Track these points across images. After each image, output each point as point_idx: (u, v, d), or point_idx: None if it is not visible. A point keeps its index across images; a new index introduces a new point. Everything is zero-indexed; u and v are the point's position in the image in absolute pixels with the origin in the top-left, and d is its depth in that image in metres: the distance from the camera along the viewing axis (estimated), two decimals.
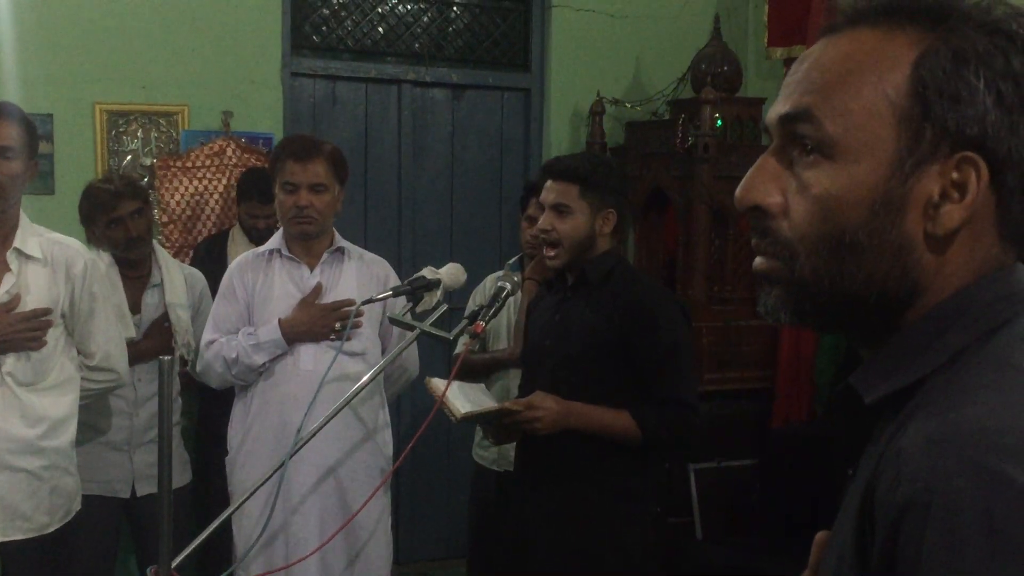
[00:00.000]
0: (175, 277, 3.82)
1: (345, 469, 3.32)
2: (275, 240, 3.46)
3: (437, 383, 2.93)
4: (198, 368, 3.49)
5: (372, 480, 3.32)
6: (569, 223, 2.93)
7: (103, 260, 3.66)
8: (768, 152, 1.03)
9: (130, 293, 3.69)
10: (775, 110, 1.03)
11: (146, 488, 3.67)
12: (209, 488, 4.03)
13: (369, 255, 3.55)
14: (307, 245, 3.41)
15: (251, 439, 3.35)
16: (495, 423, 2.90)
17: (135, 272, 3.74)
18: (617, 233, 3.06)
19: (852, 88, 0.96)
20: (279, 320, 3.31)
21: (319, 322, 3.30)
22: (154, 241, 3.90)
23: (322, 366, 3.19)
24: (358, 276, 3.43)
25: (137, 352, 3.57)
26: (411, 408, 5.35)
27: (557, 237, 2.94)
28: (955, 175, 0.94)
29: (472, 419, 2.90)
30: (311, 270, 3.41)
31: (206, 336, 3.43)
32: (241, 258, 3.53)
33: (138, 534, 3.82)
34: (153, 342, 3.70)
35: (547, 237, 2.96)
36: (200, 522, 2.32)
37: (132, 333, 3.61)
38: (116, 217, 3.65)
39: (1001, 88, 0.93)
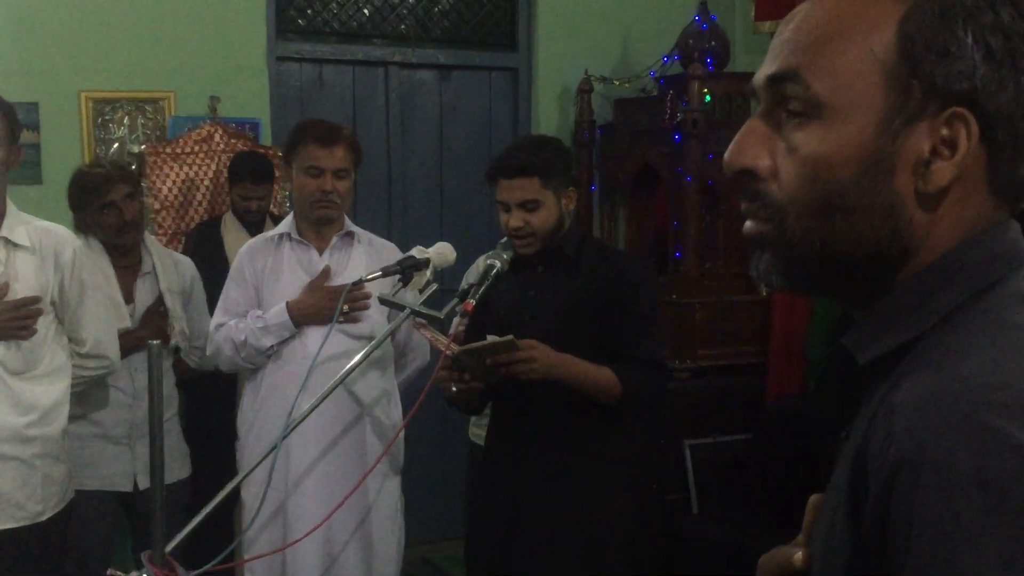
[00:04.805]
0: (166, 264, 3.77)
1: (349, 451, 3.32)
2: (285, 224, 3.47)
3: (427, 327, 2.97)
4: (208, 351, 3.48)
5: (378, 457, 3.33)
6: (540, 215, 2.98)
7: (94, 248, 3.60)
8: (756, 115, 1.02)
9: (122, 282, 3.63)
10: (762, 72, 1.01)
11: (148, 481, 3.62)
12: (200, 483, 3.96)
13: (378, 240, 3.56)
14: (319, 229, 3.42)
15: (260, 422, 3.35)
16: (489, 360, 2.85)
17: (126, 261, 3.68)
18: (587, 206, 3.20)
19: (839, 47, 0.95)
20: (287, 303, 3.31)
21: (327, 304, 3.29)
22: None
23: (330, 349, 3.19)
24: (367, 260, 3.43)
25: (134, 341, 3.53)
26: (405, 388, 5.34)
27: (532, 230, 2.99)
28: (945, 131, 0.93)
29: (469, 354, 2.86)
30: (320, 253, 3.42)
31: (216, 319, 3.43)
32: (251, 242, 3.54)
33: (138, 527, 3.75)
34: (149, 330, 3.63)
35: (520, 232, 3.00)
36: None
37: (127, 323, 3.58)
38: (109, 201, 3.58)
39: (990, 42, 0.92)
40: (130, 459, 3.63)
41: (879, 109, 0.94)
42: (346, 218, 3.48)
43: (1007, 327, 0.89)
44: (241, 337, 3.31)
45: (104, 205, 3.59)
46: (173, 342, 3.71)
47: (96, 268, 3.54)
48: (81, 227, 3.64)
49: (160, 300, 3.71)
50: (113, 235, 3.62)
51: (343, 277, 3.37)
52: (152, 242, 3.83)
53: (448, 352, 2.82)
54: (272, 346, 3.32)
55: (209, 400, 4.37)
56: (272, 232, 3.51)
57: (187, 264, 3.94)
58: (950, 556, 0.78)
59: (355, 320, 3.30)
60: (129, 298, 3.66)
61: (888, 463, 0.83)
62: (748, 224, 1.03)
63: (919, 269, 0.96)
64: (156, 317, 3.70)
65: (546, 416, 2.96)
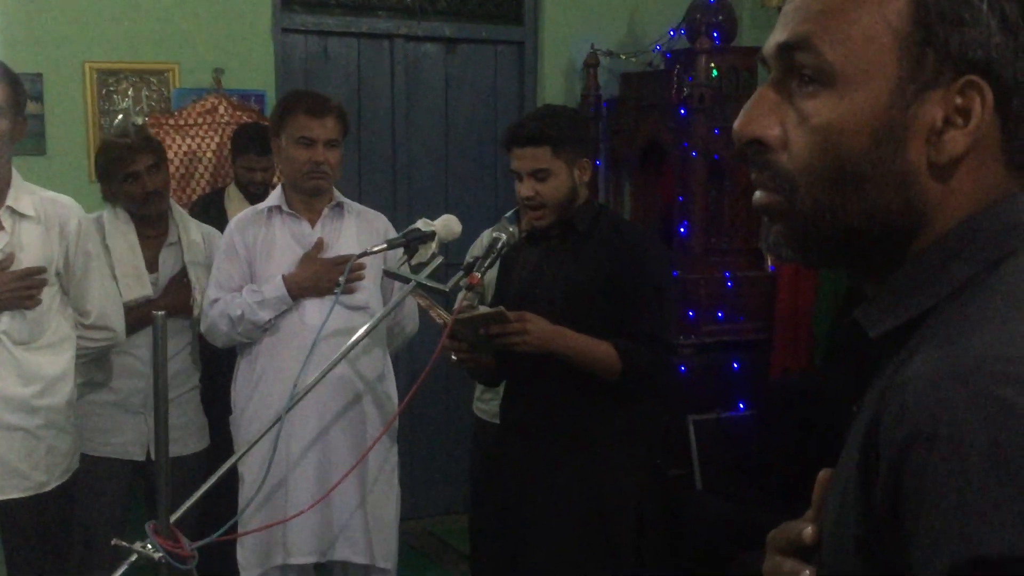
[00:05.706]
0: (193, 235, 3.76)
1: (348, 422, 3.32)
2: (275, 197, 3.45)
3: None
4: (202, 328, 3.46)
5: (376, 432, 3.33)
6: (551, 185, 2.96)
7: (120, 218, 3.63)
8: (766, 84, 1.01)
9: (147, 252, 3.64)
10: (773, 40, 1.00)
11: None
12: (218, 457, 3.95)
13: (368, 210, 3.55)
14: (309, 201, 3.41)
15: (258, 396, 3.34)
16: (483, 330, 2.85)
17: (152, 230, 3.70)
18: (592, 180, 3.15)
19: (851, 14, 0.94)
20: (283, 276, 3.31)
21: (323, 276, 3.29)
22: (171, 200, 3.84)
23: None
24: (358, 231, 3.43)
25: (156, 310, 3.52)
26: (409, 362, 5.35)
27: (542, 201, 2.97)
28: (958, 100, 0.91)
29: (462, 324, 2.84)
30: (312, 226, 3.40)
31: (209, 295, 3.41)
32: (240, 216, 3.51)
33: (153, 498, 3.77)
34: (171, 300, 3.63)
35: (531, 203, 2.98)
36: (213, 488, 2.35)
37: (149, 292, 3.58)
38: (133, 172, 3.59)
39: (1005, 10, 0.90)
40: (145, 429, 3.62)
41: (892, 77, 0.92)
42: (335, 189, 3.47)
43: (1020, 299, 0.88)
44: (237, 312, 3.30)
45: (127, 175, 3.60)
46: (196, 313, 3.69)
47: (121, 237, 3.58)
48: (108, 197, 3.67)
49: (184, 271, 3.71)
50: (136, 205, 3.64)
51: (335, 249, 3.37)
52: (180, 213, 3.82)
53: (439, 321, 2.83)
54: (269, 320, 3.31)
55: (225, 373, 4.37)
56: (261, 205, 3.49)
57: (215, 235, 3.89)
58: (963, 528, 0.77)
59: (350, 291, 3.29)
60: (153, 267, 3.67)
61: (900, 437, 0.82)
62: (758, 195, 1.01)
63: (932, 241, 0.95)
64: (179, 288, 3.70)
65: (552, 391, 2.95)
